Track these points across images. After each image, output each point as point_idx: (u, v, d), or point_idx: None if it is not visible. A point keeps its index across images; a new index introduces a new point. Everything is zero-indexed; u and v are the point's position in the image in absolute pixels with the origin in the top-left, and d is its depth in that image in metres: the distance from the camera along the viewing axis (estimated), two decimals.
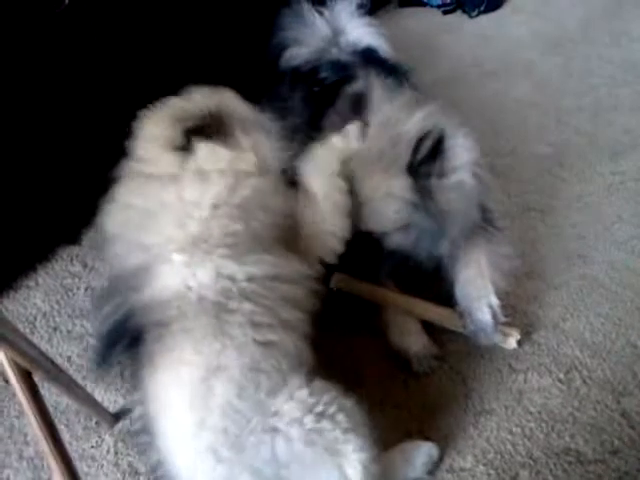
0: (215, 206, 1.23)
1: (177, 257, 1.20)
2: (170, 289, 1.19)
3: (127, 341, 1.24)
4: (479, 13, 3.37)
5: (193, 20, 2.36)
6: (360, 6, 2.22)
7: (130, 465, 1.49)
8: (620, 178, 2.13)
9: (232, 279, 1.18)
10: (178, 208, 1.24)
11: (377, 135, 1.59)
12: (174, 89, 2.30)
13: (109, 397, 1.65)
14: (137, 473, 1.48)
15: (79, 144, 2.09)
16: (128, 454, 1.52)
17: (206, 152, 1.30)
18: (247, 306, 1.17)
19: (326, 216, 1.43)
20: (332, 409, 1.13)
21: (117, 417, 1.60)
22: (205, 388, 1.11)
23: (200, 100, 1.41)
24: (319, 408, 1.12)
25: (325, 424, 1.11)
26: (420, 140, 1.50)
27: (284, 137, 2.22)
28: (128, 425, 1.57)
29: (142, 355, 1.19)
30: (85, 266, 2.05)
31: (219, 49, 2.50)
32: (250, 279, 1.20)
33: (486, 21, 3.29)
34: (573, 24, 3.10)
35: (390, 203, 1.55)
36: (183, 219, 1.23)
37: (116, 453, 1.52)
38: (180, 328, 1.15)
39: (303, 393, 1.13)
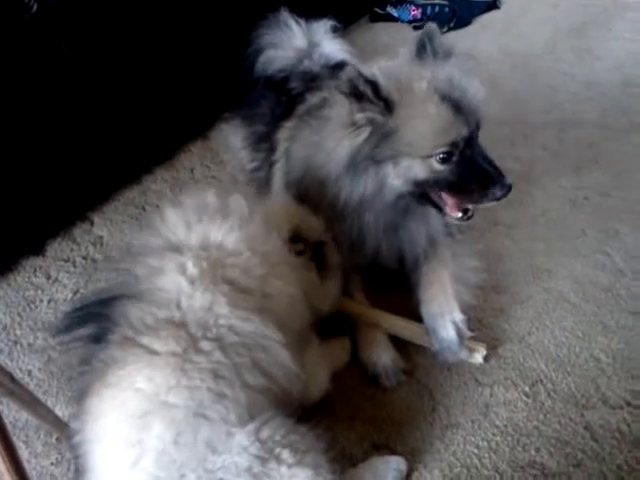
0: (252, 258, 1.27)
1: (190, 266, 1.19)
2: (163, 296, 1.17)
3: (94, 328, 1.19)
4: (449, 29, 3.43)
5: (171, 25, 2.35)
6: (335, 28, 2.25)
7: None
8: (584, 193, 2.17)
9: (216, 319, 1.15)
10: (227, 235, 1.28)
11: None
12: (149, 97, 2.33)
13: (70, 412, 1.60)
14: None
15: (43, 154, 2.05)
16: None
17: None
18: (216, 355, 1.13)
19: None
20: (277, 449, 1.09)
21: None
22: (143, 424, 1.06)
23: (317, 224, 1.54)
24: (264, 452, 1.08)
25: (271, 465, 1.07)
26: None
27: (250, 144, 2.24)
28: None
29: (96, 356, 1.15)
30: (48, 278, 2.01)
31: (200, 56, 2.50)
32: (231, 329, 1.16)
33: (455, 37, 3.34)
34: (540, 42, 3.17)
35: None
36: (223, 242, 1.26)
37: (77, 471, 1.48)
38: (146, 344, 1.11)
39: (249, 444, 1.08)
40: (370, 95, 1.45)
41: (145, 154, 2.46)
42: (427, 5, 3.58)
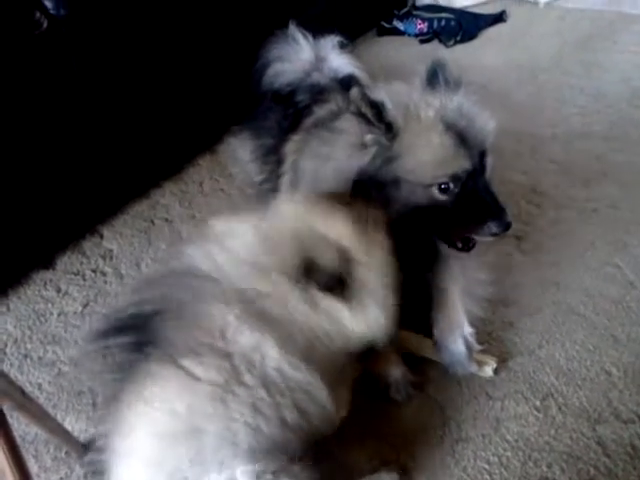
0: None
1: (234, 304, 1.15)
2: (208, 323, 1.13)
3: (133, 337, 1.15)
4: (455, 43, 3.45)
5: (180, 39, 2.37)
6: (342, 44, 2.26)
7: None
8: (593, 205, 2.17)
9: (263, 358, 1.12)
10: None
11: None
12: (158, 111, 2.35)
13: (80, 426, 1.61)
14: None
15: (54, 168, 2.07)
16: None
17: None
18: (259, 391, 1.10)
19: None
20: None
21: (87, 447, 1.55)
22: (169, 445, 1.05)
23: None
24: None
25: None
26: None
27: (258, 157, 2.25)
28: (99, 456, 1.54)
29: (132, 366, 1.12)
30: (59, 291, 2.02)
31: (208, 70, 2.52)
32: (279, 372, 1.12)
33: (462, 51, 3.36)
34: (547, 55, 3.18)
35: None
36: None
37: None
38: (188, 368, 1.08)
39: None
40: (373, 118, 1.45)
41: (154, 168, 2.48)
42: (433, 19, 3.60)
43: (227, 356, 1.10)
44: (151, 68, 2.29)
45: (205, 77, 2.51)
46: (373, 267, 1.22)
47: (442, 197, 1.48)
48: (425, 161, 1.47)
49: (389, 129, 1.45)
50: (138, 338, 1.14)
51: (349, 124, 1.58)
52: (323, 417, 1.20)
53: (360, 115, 1.46)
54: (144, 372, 1.10)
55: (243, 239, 1.22)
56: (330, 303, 1.18)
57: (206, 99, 2.55)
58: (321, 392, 1.17)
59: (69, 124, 2.07)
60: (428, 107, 1.49)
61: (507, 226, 1.47)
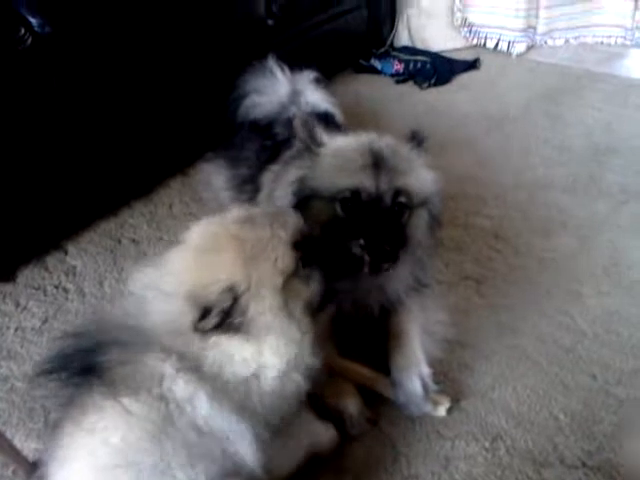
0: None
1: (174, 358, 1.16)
2: (147, 368, 1.14)
3: (78, 370, 1.16)
4: (429, 86, 3.55)
5: (158, 64, 2.41)
6: (318, 80, 2.32)
7: None
8: (551, 254, 2.24)
9: (194, 409, 1.14)
10: None
11: None
12: (131, 132, 2.36)
13: (30, 444, 1.59)
14: None
15: (22, 180, 2.07)
16: None
17: None
18: (191, 436, 1.13)
19: None
20: None
21: (36, 466, 1.53)
22: (109, 476, 1.08)
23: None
24: None
25: None
26: None
27: (234, 186, 2.27)
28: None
29: (78, 396, 1.14)
30: (17, 305, 2.00)
31: (184, 97, 2.55)
32: (206, 421, 1.15)
33: (436, 94, 3.47)
34: (516, 105, 3.30)
35: None
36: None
37: None
38: (126, 405, 1.10)
39: None
40: (305, 139, 1.56)
41: (124, 187, 2.49)
42: (410, 61, 3.71)
43: (162, 399, 1.12)
44: (129, 89, 2.32)
45: (181, 102, 2.55)
46: (265, 297, 1.19)
47: (342, 214, 1.53)
48: (332, 169, 1.55)
49: (313, 142, 1.57)
50: (83, 371, 1.16)
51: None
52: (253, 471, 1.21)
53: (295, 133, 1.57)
54: (86, 402, 1.12)
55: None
56: (230, 343, 1.18)
57: (180, 123, 2.58)
58: (249, 445, 1.18)
59: (44, 138, 2.08)
60: (364, 136, 1.57)
61: (377, 270, 1.50)
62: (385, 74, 3.71)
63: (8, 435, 1.55)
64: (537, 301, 2.04)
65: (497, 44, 3.92)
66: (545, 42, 3.99)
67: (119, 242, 2.31)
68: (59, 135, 2.13)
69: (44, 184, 2.14)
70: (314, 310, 1.30)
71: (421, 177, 1.61)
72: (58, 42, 1.96)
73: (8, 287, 2.07)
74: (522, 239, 2.32)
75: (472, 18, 3.91)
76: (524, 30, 3.85)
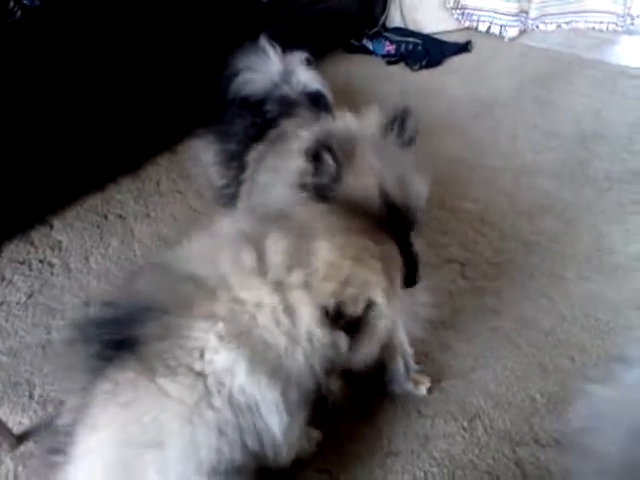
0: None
1: (221, 323, 1.14)
2: (189, 342, 1.13)
3: (110, 334, 1.14)
4: (420, 67, 3.54)
5: (150, 39, 2.39)
6: (309, 61, 2.30)
7: None
8: (536, 238, 2.26)
9: (232, 378, 1.14)
10: None
11: None
12: (121, 106, 2.35)
13: (15, 418, 1.60)
14: None
15: (8, 153, 2.05)
16: (29, 479, 1.47)
17: None
18: (225, 413, 1.13)
19: None
20: None
21: (20, 439, 1.55)
22: (134, 453, 1.08)
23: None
24: None
25: None
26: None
27: (222, 161, 2.27)
28: (31, 448, 1.53)
29: (108, 369, 1.12)
30: (2, 280, 2.01)
31: (175, 73, 2.53)
32: (241, 390, 1.14)
33: (426, 76, 3.46)
34: (506, 89, 3.30)
35: None
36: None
37: (15, 477, 1.47)
38: (161, 385, 1.10)
39: None
40: (327, 162, 1.46)
41: (111, 162, 2.48)
42: (402, 42, 3.69)
43: (201, 376, 1.12)
44: (118, 62, 2.30)
45: (171, 79, 2.53)
46: (388, 313, 1.26)
47: None
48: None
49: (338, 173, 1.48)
50: (119, 335, 1.14)
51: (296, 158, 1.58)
52: (281, 443, 1.22)
53: (312, 157, 1.46)
54: (120, 378, 1.11)
55: (270, 250, 1.19)
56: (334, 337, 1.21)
57: (170, 99, 2.56)
58: (279, 418, 1.18)
59: (31, 111, 2.06)
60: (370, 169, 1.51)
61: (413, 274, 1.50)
62: (376, 55, 3.70)
63: None
64: (520, 284, 2.07)
65: (489, 28, 3.91)
66: (537, 27, 3.99)
67: (105, 218, 2.31)
68: (47, 109, 2.11)
69: (30, 158, 2.12)
70: None
71: (422, 189, 1.59)
72: (47, 15, 1.94)
73: None
74: (508, 223, 2.34)
75: (465, 1, 3.89)
76: (516, 14, 3.84)
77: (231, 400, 1.13)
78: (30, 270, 2.05)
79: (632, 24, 3.96)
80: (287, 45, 2.36)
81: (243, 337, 1.14)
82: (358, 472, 1.51)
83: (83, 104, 2.23)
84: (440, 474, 1.50)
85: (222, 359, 1.12)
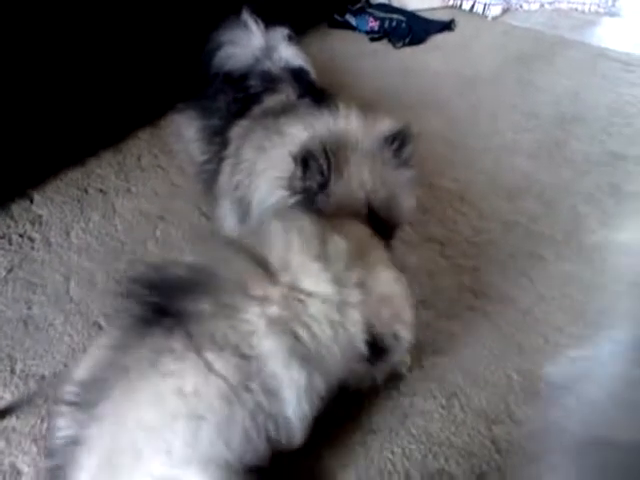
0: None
1: (274, 307, 1.16)
2: (241, 324, 1.14)
3: (156, 299, 1.13)
4: (404, 45, 3.53)
5: (131, 9, 2.34)
6: (290, 37, 2.28)
7: (12, 465, 1.46)
8: (515, 218, 2.30)
9: (272, 362, 1.15)
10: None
11: None
12: (101, 78, 2.31)
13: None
14: (19, 473, 1.44)
15: None
16: (11, 453, 1.48)
17: None
18: (260, 398, 1.14)
19: None
20: None
21: (2, 414, 1.55)
22: (170, 420, 1.08)
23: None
24: None
25: None
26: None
27: (203, 137, 2.25)
28: (14, 423, 1.54)
29: (148, 335, 1.11)
30: None
31: (156, 46, 2.49)
32: (274, 376, 1.15)
33: (409, 54, 3.45)
34: (488, 68, 3.32)
35: None
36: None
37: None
38: (208, 359, 1.10)
39: None
40: (314, 171, 1.47)
41: (92, 136, 2.44)
42: (385, 18, 3.67)
43: (247, 359, 1.13)
44: (101, 35, 2.26)
45: (155, 51, 2.49)
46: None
47: None
48: None
49: (329, 179, 1.49)
50: (168, 303, 1.14)
51: (284, 155, 1.57)
52: (295, 430, 1.24)
53: (302, 163, 1.47)
54: (163, 346, 1.11)
55: (334, 249, 1.25)
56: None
57: (151, 73, 2.53)
58: (303, 404, 1.21)
59: (10, 82, 2.02)
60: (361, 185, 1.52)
61: None
62: (360, 31, 3.67)
63: None
64: (500, 263, 2.10)
65: (473, 6, 3.91)
66: (520, 6, 3.99)
67: (86, 192, 2.28)
68: (26, 80, 2.07)
69: (10, 131, 2.08)
70: None
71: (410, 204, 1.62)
72: None
73: None
74: (487, 202, 2.37)
75: None
76: None
77: (264, 384, 1.15)
78: (10, 244, 2.03)
79: (614, 6, 3.98)
80: (270, 19, 2.34)
81: (291, 324, 1.17)
82: (341, 449, 1.54)
83: (63, 76, 2.19)
84: (417, 450, 1.55)
85: (268, 344, 1.14)
